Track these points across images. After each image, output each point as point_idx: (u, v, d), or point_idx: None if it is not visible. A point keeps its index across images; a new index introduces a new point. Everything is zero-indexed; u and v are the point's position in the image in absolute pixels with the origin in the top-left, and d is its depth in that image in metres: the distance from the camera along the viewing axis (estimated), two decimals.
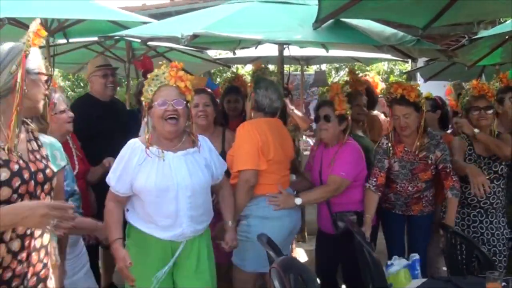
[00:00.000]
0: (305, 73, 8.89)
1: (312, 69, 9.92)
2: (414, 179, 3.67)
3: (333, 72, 11.25)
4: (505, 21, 5.20)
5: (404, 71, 9.42)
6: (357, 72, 5.42)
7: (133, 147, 2.73)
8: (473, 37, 4.84)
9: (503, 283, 2.42)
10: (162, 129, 2.71)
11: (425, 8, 3.59)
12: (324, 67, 10.87)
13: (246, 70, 12.42)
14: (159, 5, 7.89)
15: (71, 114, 3.11)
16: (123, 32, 4.00)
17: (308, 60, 7.27)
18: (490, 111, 3.66)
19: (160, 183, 2.67)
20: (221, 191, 3.07)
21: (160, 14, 7.87)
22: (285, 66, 7.87)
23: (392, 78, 10.50)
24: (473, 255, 3.10)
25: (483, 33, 4.91)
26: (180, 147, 2.78)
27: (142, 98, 2.78)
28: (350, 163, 3.58)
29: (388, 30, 3.69)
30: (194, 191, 2.75)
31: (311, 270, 2.66)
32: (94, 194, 3.64)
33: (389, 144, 3.70)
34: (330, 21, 3.32)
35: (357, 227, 3.37)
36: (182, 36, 3.02)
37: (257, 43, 4.87)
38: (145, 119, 2.79)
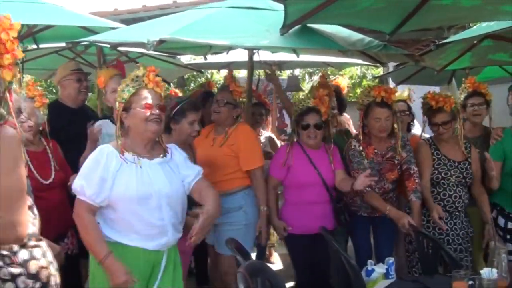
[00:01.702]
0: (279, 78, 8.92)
1: (285, 74, 9.93)
2: (381, 179, 3.77)
3: (306, 76, 11.28)
4: (475, 25, 5.29)
5: (376, 75, 9.52)
6: (329, 77, 5.49)
7: (107, 152, 2.63)
8: (440, 42, 4.92)
9: (470, 282, 2.46)
10: (145, 130, 2.66)
11: (392, 14, 3.62)
12: (297, 72, 10.89)
13: (221, 76, 12.41)
14: (131, 10, 7.82)
15: (31, 123, 3.09)
16: (91, 38, 3.96)
17: (280, 65, 7.30)
18: (448, 125, 3.73)
19: (142, 190, 2.61)
20: (203, 192, 2.87)
21: (132, 19, 7.80)
22: (258, 71, 7.92)
23: (364, 82, 10.60)
24: (440, 255, 3.16)
25: (451, 38, 4.98)
26: (154, 154, 2.74)
27: (117, 98, 2.72)
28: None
29: (355, 36, 3.73)
30: (174, 199, 2.73)
31: (279, 274, 2.67)
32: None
33: (361, 148, 3.79)
34: (297, 26, 3.34)
35: (331, 235, 3.42)
36: (148, 41, 3.01)
37: (228, 48, 4.88)
38: (118, 122, 2.70)
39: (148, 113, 2.63)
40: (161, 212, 2.66)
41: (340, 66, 7.59)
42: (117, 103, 2.71)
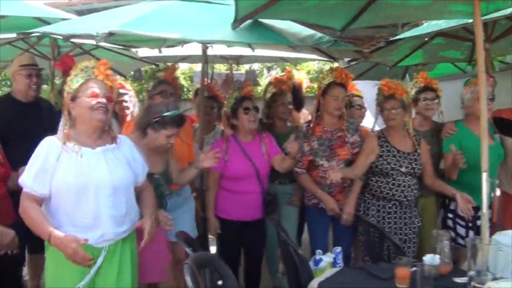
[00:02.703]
0: (236, 72, 8.95)
1: (244, 68, 9.98)
2: (332, 156, 3.91)
3: (265, 71, 11.34)
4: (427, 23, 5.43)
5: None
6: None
7: (49, 143, 2.63)
8: (390, 39, 5.04)
9: (414, 268, 2.56)
10: (91, 119, 2.63)
11: (342, 11, 3.69)
12: (256, 66, 10.95)
13: (181, 69, 12.33)
14: (86, 1, 7.72)
15: None
16: (42, 29, 3.90)
17: (238, 59, 7.31)
18: (396, 111, 3.83)
19: (79, 180, 2.58)
20: (144, 192, 2.98)
21: (87, 11, 7.71)
22: (216, 65, 7.91)
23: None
24: (386, 244, 3.26)
25: (401, 35, 5.10)
26: (99, 143, 2.71)
27: (65, 88, 2.70)
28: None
29: (306, 31, 3.79)
30: (115, 189, 2.67)
31: (226, 266, 2.71)
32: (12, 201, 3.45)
33: (310, 125, 3.98)
34: (249, 21, 3.38)
35: (281, 228, 3.51)
36: (97, 34, 2.99)
37: (183, 42, 4.87)
38: (65, 112, 2.68)
39: (94, 102, 2.61)
40: (98, 203, 2.61)
41: (296, 61, 7.67)
42: (65, 93, 2.69)
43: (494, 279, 2.45)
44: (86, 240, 2.49)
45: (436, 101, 4.19)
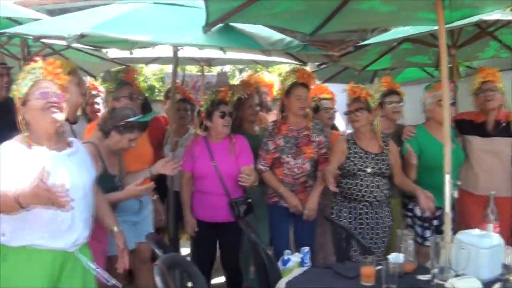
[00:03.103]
0: (208, 74, 8.96)
1: (216, 70, 10.00)
2: (298, 153, 4.03)
3: (236, 73, 11.40)
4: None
5: None
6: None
7: (13, 149, 2.51)
8: (359, 44, 5.15)
9: (380, 266, 2.64)
10: (43, 121, 2.54)
11: (312, 16, 3.78)
12: (228, 68, 10.99)
13: (152, 70, 12.27)
14: (57, 1, 7.64)
15: None
16: (12, 29, 3.88)
17: (209, 61, 7.34)
18: (360, 113, 3.93)
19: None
20: (98, 197, 2.94)
21: (59, 10, 7.65)
22: (187, 67, 7.89)
23: None
24: (352, 243, 3.35)
25: (370, 40, 5.22)
26: (60, 147, 2.66)
27: (15, 93, 2.60)
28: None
29: (277, 36, 3.87)
30: (85, 192, 2.67)
31: (196, 266, 2.75)
32: None
33: (276, 125, 4.10)
34: (220, 25, 3.43)
35: (252, 227, 3.58)
36: (69, 35, 3.00)
37: (153, 44, 4.88)
38: (20, 118, 2.57)
39: (44, 102, 2.53)
40: (73, 207, 2.50)
41: (267, 64, 7.74)
42: (16, 99, 2.59)
43: (457, 276, 2.55)
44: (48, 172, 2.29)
45: (401, 104, 4.32)
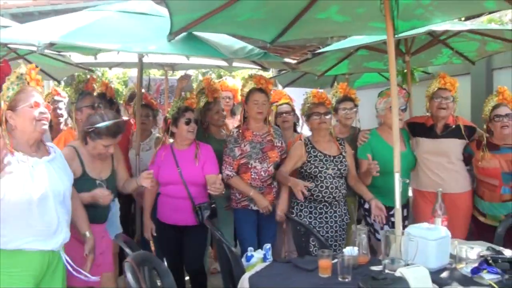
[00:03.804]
0: (172, 77, 9.08)
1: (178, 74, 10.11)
2: (264, 158, 4.19)
3: (200, 76, 11.53)
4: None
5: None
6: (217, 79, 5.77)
7: None
8: (316, 51, 5.37)
9: (338, 259, 2.81)
10: (34, 130, 2.67)
11: (272, 25, 3.98)
12: (191, 72, 11.08)
13: (115, 74, 12.29)
14: (21, 4, 7.62)
15: None
16: None
17: (173, 66, 7.47)
18: (328, 116, 4.15)
19: (38, 191, 2.62)
20: (74, 200, 3.05)
21: (22, 14, 7.64)
22: (151, 70, 7.97)
23: None
24: (311, 239, 3.54)
25: (327, 48, 5.44)
26: (40, 153, 2.77)
27: (1, 97, 2.68)
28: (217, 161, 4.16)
29: (239, 44, 4.04)
30: (65, 196, 2.80)
31: (164, 263, 2.89)
32: None
33: (240, 131, 4.22)
34: (184, 33, 3.57)
35: (216, 227, 3.72)
36: (39, 44, 3.09)
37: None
38: (4, 122, 2.66)
39: (37, 113, 2.66)
40: (57, 211, 2.72)
41: (230, 69, 7.92)
42: (1, 102, 2.68)
43: (406, 265, 2.77)
44: None
45: (355, 110, 4.54)
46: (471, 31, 5.01)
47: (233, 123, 5.37)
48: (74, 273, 2.89)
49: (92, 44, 3.35)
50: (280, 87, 8.43)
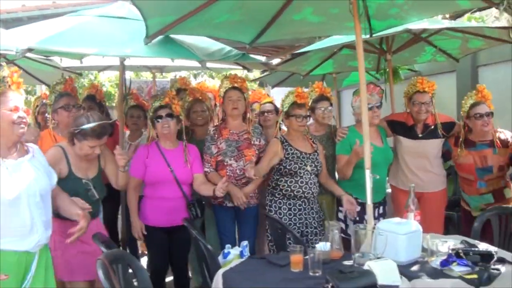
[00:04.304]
0: (163, 79, 9.18)
1: (166, 77, 10.21)
2: (240, 156, 4.27)
3: (192, 78, 11.60)
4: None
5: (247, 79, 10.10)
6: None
7: None
8: (295, 52, 5.46)
9: (309, 254, 2.89)
10: (12, 134, 2.71)
11: (249, 27, 4.07)
12: (184, 73, 11.18)
13: (108, 77, 12.38)
14: (10, 10, 7.71)
15: None
16: None
17: (161, 68, 7.56)
18: (307, 119, 4.25)
19: (11, 192, 2.65)
20: (61, 195, 3.12)
21: (11, 19, 7.73)
22: (143, 73, 8.03)
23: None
24: (287, 236, 3.61)
25: (306, 48, 5.52)
26: (19, 154, 2.81)
27: None
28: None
29: (216, 46, 4.12)
30: (42, 196, 2.80)
31: (138, 261, 2.97)
32: None
33: (216, 129, 4.32)
34: (161, 36, 3.65)
35: (194, 225, 3.78)
36: (17, 50, 3.18)
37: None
38: None
39: (16, 116, 2.71)
40: (31, 211, 2.74)
41: (219, 70, 8.01)
42: None
43: (376, 258, 2.85)
44: (6, 276, 2.62)
45: (331, 108, 4.62)
46: (449, 29, 5.10)
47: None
48: None
49: (68, 49, 3.44)
50: (269, 87, 8.56)
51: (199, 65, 7.15)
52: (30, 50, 3.23)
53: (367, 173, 3.26)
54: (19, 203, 2.69)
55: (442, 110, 4.63)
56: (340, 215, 4.32)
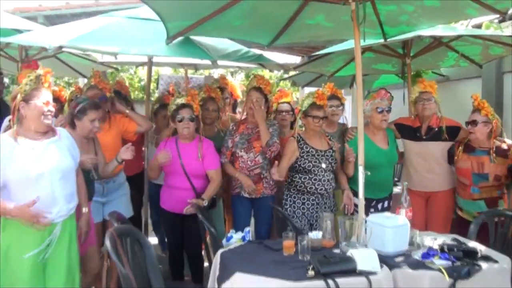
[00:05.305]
0: (198, 76, 9.50)
1: (208, 72, 10.52)
2: (250, 148, 4.56)
3: (229, 76, 11.93)
4: None
5: (280, 78, 10.36)
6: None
7: (2, 142, 3.08)
8: (312, 54, 5.69)
9: (300, 240, 3.14)
10: (41, 123, 3.15)
11: (266, 30, 4.35)
12: (221, 71, 11.50)
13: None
14: (54, 7, 8.19)
15: None
16: (10, 38, 4.47)
17: (195, 66, 7.90)
18: (323, 121, 4.43)
19: (36, 169, 3.09)
20: (78, 179, 3.51)
21: (55, 16, 8.22)
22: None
23: (281, 84, 11.33)
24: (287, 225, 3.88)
25: (325, 50, 5.72)
26: (45, 137, 3.24)
27: (19, 90, 3.16)
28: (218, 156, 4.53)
29: (233, 47, 4.42)
30: (63, 173, 3.23)
31: (146, 237, 3.31)
32: None
33: (236, 124, 4.65)
34: (180, 38, 3.98)
35: (204, 211, 4.09)
36: (50, 46, 3.57)
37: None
38: (15, 110, 3.13)
39: (46, 109, 3.16)
40: (53, 186, 3.17)
41: (252, 69, 8.30)
42: (18, 94, 3.17)
43: (361, 247, 3.11)
44: (37, 199, 3.00)
45: (341, 107, 4.86)
46: (460, 36, 5.22)
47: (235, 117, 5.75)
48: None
49: (95, 47, 3.83)
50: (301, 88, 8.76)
51: (233, 64, 7.56)
52: (61, 47, 3.61)
53: (360, 169, 3.51)
54: (43, 179, 3.12)
55: (467, 115, 4.62)
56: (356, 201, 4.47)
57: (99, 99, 4.17)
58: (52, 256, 3.24)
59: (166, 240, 5.24)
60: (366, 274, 2.82)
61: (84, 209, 3.61)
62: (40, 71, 3.22)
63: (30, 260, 3.13)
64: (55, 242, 3.25)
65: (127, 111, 4.73)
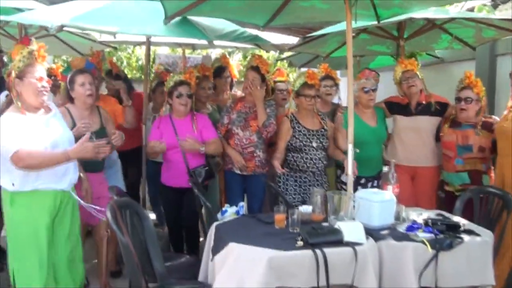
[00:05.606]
0: (195, 56, 9.58)
1: (206, 52, 10.58)
2: (246, 126, 4.68)
3: (226, 55, 11.93)
4: None
5: (276, 58, 10.41)
6: None
7: (12, 117, 3.17)
8: (306, 35, 5.79)
9: (290, 214, 3.29)
10: (38, 99, 3.25)
11: (261, 11, 4.42)
12: (219, 51, 11.57)
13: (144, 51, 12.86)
14: None
15: None
16: (10, 17, 4.55)
17: (193, 46, 7.99)
18: (315, 99, 4.59)
19: (50, 140, 3.22)
20: None
21: None
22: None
23: (279, 64, 11.36)
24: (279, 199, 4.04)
25: (321, 31, 5.81)
26: (45, 112, 3.37)
27: (13, 67, 3.21)
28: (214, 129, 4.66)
29: (229, 27, 4.52)
30: (70, 143, 3.37)
31: (144, 210, 3.47)
32: None
33: (233, 102, 4.77)
34: (178, 17, 4.08)
35: (199, 186, 4.24)
36: (52, 25, 3.68)
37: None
38: (14, 89, 3.21)
39: (40, 85, 3.24)
40: None
41: (249, 49, 8.36)
42: (12, 72, 3.23)
43: (348, 221, 3.27)
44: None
45: (334, 87, 4.99)
46: (452, 19, 5.31)
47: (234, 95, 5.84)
48: (85, 207, 3.58)
49: (95, 27, 3.93)
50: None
51: (231, 44, 7.65)
52: (62, 26, 3.71)
53: (350, 147, 3.65)
54: (57, 149, 3.25)
55: None
56: (344, 178, 4.54)
57: (86, 66, 4.37)
58: (57, 223, 3.39)
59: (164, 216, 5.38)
60: (352, 244, 2.97)
61: (82, 175, 3.77)
62: (33, 46, 3.25)
63: (44, 231, 3.26)
64: (62, 212, 3.41)
65: (129, 104, 4.89)
